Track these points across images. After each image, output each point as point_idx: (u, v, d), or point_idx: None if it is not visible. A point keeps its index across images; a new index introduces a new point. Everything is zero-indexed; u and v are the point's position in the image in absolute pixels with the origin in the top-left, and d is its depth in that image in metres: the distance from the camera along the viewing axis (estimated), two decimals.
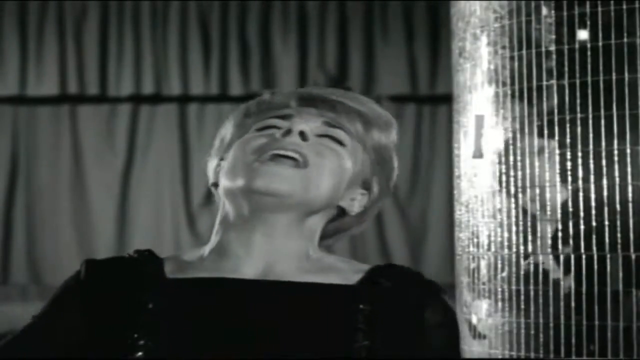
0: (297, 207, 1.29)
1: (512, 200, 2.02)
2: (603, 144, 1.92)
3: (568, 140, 1.95)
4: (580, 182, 1.93)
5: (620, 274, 1.89)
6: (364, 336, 1.23)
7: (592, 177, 1.92)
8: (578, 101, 1.94)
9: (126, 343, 1.22)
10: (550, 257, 1.96)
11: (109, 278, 1.31)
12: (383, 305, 1.27)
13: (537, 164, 1.99)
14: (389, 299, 1.28)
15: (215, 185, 1.36)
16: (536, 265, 1.98)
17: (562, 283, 1.94)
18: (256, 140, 1.30)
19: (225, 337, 1.23)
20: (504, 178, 2.04)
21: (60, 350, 1.27)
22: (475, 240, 2.12)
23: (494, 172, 2.07)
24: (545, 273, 1.97)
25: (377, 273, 1.31)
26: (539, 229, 1.98)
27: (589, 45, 1.93)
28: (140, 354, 1.21)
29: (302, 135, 1.29)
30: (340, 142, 1.33)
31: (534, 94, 2.00)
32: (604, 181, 1.91)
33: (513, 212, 2.02)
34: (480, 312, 2.13)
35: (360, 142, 1.35)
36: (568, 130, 1.95)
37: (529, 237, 1.99)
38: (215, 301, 1.26)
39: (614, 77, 1.91)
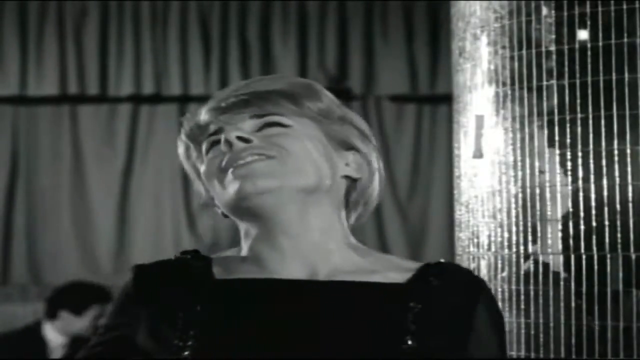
0: (296, 194, 1.27)
1: (512, 200, 2.02)
2: (603, 144, 1.92)
3: (568, 140, 1.95)
4: (580, 182, 1.93)
5: (620, 274, 1.89)
6: (413, 337, 1.22)
7: (592, 177, 1.92)
8: (578, 101, 1.94)
9: (173, 344, 1.22)
10: (551, 257, 1.96)
11: (157, 282, 1.31)
12: (433, 304, 1.26)
13: (537, 164, 1.99)
14: (439, 297, 1.27)
15: (225, 215, 1.35)
16: (536, 266, 1.98)
17: (562, 283, 1.94)
18: (213, 162, 1.31)
19: (274, 338, 1.22)
20: (504, 178, 2.04)
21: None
22: (475, 240, 2.12)
23: (493, 172, 2.07)
24: (546, 273, 1.97)
25: (428, 271, 1.30)
26: (539, 229, 1.98)
27: (589, 45, 1.93)
28: (186, 353, 1.21)
29: (242, 139, 1.28)
30: (281, 125, 1.30)
31: (534, 94, 2.00)
32: (604, 181, 1.91)
33: (513, 212, 2.02)
34: None
35: (300, 116, 1.31)
36: (568, 130, 1.95)
37: (529, 237, 1.99)
38: (264, 302, 1.25)
39: (614, 77, 1.91)
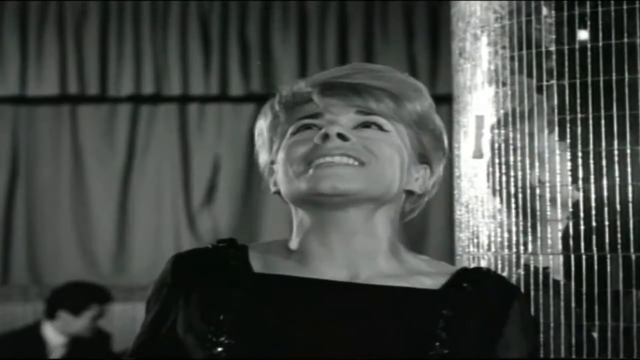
0: (367, 202, 1.27)
1: (512, 200, 2.02)
2: (603, 144, 1.91)
3: (568, 140, 1.95)
4: (580, 182, 1.93)
5: (620, 274, 1.89)
6: (443, 343, 1.23)
7: (592, 178, 1.92)
8: (578, 101, 1.93)
9: (207, 338, 1.22)
10: (550, 257, 1.96)
11: (194, 273, 1.30)
12: (465, 311, 1.26)
13: (537, 164, 1.99)
14: (472, 304, 1.28)
15: (277, 193, 1.34)
16: (536, 266, 1.98)
17: (562, 283, 1.94)
18: (297, 147, 1.28)
19: (307, 337, 1.22)
20: (504, 178, 2.04)
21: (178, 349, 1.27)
22: (475, 240, 2.11)
23: (493, 172, 2.07)
24: (546, 273, 1.96)
25: (462, 277, 1.31)
26: (539, 229, 1.98)
27: (589, 46, 1.93)
28: (220, 349, 1.21)
29: (342, 137, 1.26)
30: (380, 128, 1.30)
31: (534, 94, 1.99)
32: (604, 181, 1.91)
33: (513, 212, 2.02)
34: None
35: (398, 121, 1.31)
36: (568, 130, 1.95)
37: (529, 237, 1.99)
38: (300, 301, 1.25)
39: (614, 77, 1.90)
